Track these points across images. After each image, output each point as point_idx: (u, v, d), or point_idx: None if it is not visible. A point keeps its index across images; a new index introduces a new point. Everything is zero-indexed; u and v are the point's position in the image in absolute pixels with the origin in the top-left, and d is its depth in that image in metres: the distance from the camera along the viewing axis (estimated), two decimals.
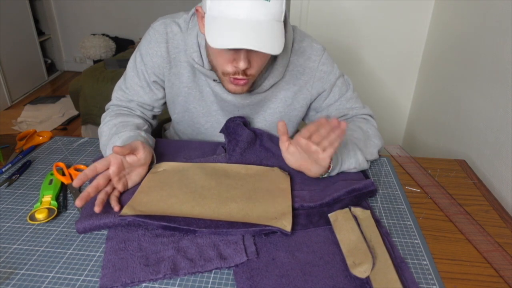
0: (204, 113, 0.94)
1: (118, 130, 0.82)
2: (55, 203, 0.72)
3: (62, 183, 0.79)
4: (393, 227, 0.69)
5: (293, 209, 0.70)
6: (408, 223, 0.70)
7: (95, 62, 3.54)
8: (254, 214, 0.67)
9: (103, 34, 3.68)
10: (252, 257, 0.60)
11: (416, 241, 0.66)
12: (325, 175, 0.79)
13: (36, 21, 3.60)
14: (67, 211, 0.72)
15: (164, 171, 0.80)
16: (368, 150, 0.84)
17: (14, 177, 0.81)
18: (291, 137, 0.79)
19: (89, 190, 0.66)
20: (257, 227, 0.63)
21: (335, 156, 0.78)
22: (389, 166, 0.90)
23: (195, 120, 0.96)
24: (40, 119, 2.85)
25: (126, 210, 0.66)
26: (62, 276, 0.57)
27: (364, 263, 0.58)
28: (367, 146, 0.84)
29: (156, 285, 0.56)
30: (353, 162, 0.81)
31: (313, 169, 0.76)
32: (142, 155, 0.75)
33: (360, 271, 0.57)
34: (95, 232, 0.66)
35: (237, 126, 0.89)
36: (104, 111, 0.95)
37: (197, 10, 0.76)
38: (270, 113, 0.94)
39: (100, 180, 0.69)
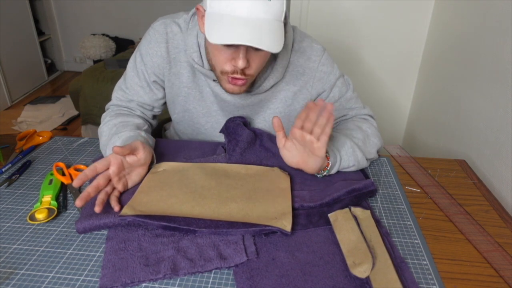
0: (204, 113, 0.94)
1: (118, 130, 0.82)
2: (55, 203, 0.72)
3: (62, 183, 0.79)
4: (393, 227, 0.69)
5: (293, 209, 0.70)
6: (408, 223, 0.70)
7: (95, 62, 3.54)
8: (254, 214, 0.67)
9: (103, 34, 3.68)
10: (252, 257, 0.60)
11: (416, 241, 0.66)
12: (325, 173, 0.79)
13: (36, 21, 3.60)
14: (67, 211, 0.72)
15: (164, 171, 0.80)
16: (367, 149, 0.84)
17: (14, 177, 0.81)
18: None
19: (89, 190, 0.66)
20: (257, 227, 0.63)
21: (334, 153, 0.78)
22: (389, 166, 0.90)
23: (195, 120, 0.96)
24: (40, 119, 2.85)
25: (126, 210, 0.66)
26: (62, 276, 0.57)
27: (364, 263, 0.58)
28: (366, 145, 0.85)
29: (156, 285, 0.56)
30: (352, 160, 0.81)
31: (310, 163, 0.76)
32: (142, 155, 0.75)
33: (360, 271, 0.57)
34: (95, 232, 0.66)
35: (237, 126, 0.89)
36: (104, 111, 0.95)
37: (197, 9, 0.76)
38: (270, 113, 0.94)
39: (100, 180, 0.69)
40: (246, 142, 0.87)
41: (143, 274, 0.56)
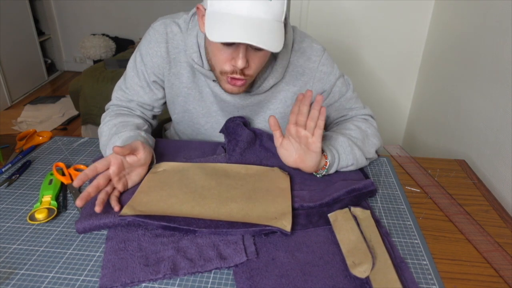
0: (204, 113, 0.94)
1: (118, 130, 0.82)
2: (55, 203, 0.72)
3: (62, 183, 0.79)
4: (393, 227, 0.69)
5: (293, 209, 0.70)
6: (408, 223, 0.70)
7: (95, 62, 3.54)
8: (254, 214, 0.67)
9: (103, 34, 3.69)
10: (252, 257, 0.60)
11: (416, 241, 0.66)
12: (324, 173, 0.79)
13: (36, 21, 3.60)
14: (67, 211, 0.72)
15: (164, 171, 0.80)
16: (366, 148, 0.84)
17: (14, 177, 0.81)
18: None
19: (89, 190, 0.66)
20: (257, 227, 0.63)
21: (332, 152, 0.78)
22: (389, 166, 0.90)
23: (195, 120, 0.96)
24: (40, 119, 2.85)
25: (126, 210, 0.66)
26: (62, 276, 0.57)
27: (364, 263, 0.58)
28: (365, 144, 0.84)
29: (156, 285, 0.56)
30: (350, 159, 0.81)
31: (307, 160, 0.76)
32: (142, 155, 0.75)
33: (360, 271, 0.57)
34: (95, 232, 0.66)
35: (236, 126, 0.89)
36: (104, 111, 0.95)
37: (198, 8, 0.76)
38: (270, 114, 0.94)
39: (100, 180, 0.69)
40: (246, 142, 0.87)
41: (143, 274, 0.56)
